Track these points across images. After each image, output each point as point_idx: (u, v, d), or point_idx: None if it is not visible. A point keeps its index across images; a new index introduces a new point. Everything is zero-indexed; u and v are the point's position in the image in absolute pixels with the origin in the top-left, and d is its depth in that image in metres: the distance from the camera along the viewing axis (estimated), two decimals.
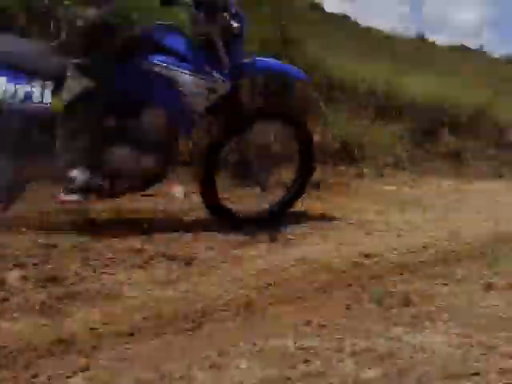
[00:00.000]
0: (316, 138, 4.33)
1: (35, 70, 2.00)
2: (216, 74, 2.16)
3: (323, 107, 4.61)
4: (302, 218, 2.71)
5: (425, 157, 5.43)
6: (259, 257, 1.98)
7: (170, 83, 2.10)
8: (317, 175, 3.88)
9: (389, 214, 2.91)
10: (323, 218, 2.70)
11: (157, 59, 2.10)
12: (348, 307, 1.49)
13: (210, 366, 1.10)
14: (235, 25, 2.12)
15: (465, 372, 1.04)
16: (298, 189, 2.59)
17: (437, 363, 1.09)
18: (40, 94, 2.00)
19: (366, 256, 2.08)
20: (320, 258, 2.01)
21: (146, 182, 2.24)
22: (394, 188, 4.00)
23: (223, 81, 2.17)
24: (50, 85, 2.01)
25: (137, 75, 2.10)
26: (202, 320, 1.37)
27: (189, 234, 2.16)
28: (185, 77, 2.11)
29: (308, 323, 1.35)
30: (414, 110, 5.53)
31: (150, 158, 2.14)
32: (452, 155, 5.75)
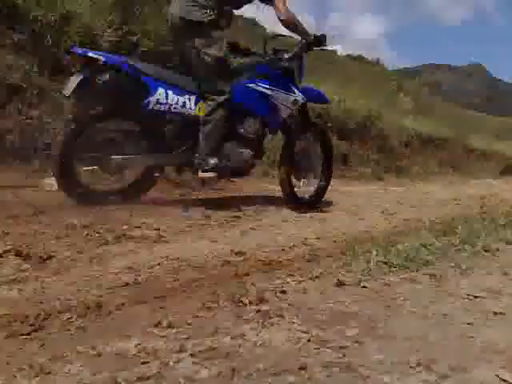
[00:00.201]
0: None
1: (184, 87, 2.94)
2: (297, 91, 3.24)
3: None
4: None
5: None
6: (124, 255, 1.92)
7: (267, 98, 3.12)
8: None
9: (268, 213, 3.00)
10: (202, 215, 2.70)
11: (257, 81, 3.13)
12: (203, 306, 1.49)
13: (38, 373, 1.03)
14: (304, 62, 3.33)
15: (294, 367, 1.08)
16: (326, 180, 3.55)
17: (272, 360, 1.13)
18: (189, 103, 2.93)
19: (237, 254, 2.11)
20: (190, 256, 2.00)
21: (245, 170, 3.26)
22: (276, 187, 4.13)
23: (302, 98, 3.27)
24: (193, 98, 2.95)
25: (245, 92, 3.09)
26: (43, 323, 1.29)
27: (50, 230, 2.03)
28: (277, 93, 3.15)
29: (158, 324, 1.32)
30: None
31: (248, 152, 3.09)
32: (339, 159, 6.10)
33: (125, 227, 2.30)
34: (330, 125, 6.10)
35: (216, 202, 3.33)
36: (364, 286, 1.70)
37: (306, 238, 2.48)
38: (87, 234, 2.09)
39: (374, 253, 2.01)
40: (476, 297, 1.62)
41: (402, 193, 5.46)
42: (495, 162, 11.43)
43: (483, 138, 13.88)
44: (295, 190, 3.33)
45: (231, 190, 3.94)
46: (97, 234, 2.11)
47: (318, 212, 3.31)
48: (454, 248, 2.14)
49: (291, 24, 3.02)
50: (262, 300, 1.54)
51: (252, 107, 3.11)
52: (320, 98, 3.73)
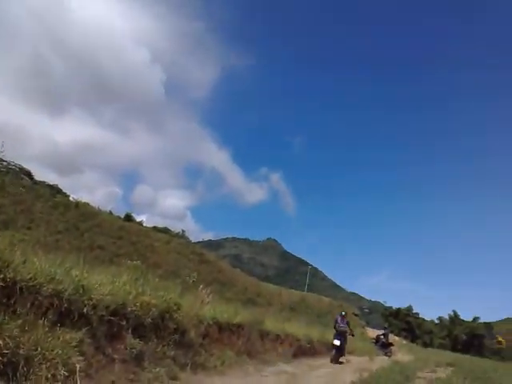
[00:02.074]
0: None
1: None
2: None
3: None
4: None
5: (104, 363, 5.22)
6: None
7: (346, 333, 15.71)
8: None
9: None
10: None
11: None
12: None
13: None
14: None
15: None
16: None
17: None
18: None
19: None
20: None
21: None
22: None
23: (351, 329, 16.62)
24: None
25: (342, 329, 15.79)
26: None
27: None
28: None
29: None
30: (99, 313, 5.42)
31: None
32: (133, 360, 5.74)
33: None
34: (124, 323, 5.84)
35: None
36: None
37: None
38: None
39: None
40: None
41: None
42: (288, 345, 12.28)
43: (278, 318, 15.07)
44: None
45: None
46: None
47: None
48: None
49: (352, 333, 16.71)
50: None
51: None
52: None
